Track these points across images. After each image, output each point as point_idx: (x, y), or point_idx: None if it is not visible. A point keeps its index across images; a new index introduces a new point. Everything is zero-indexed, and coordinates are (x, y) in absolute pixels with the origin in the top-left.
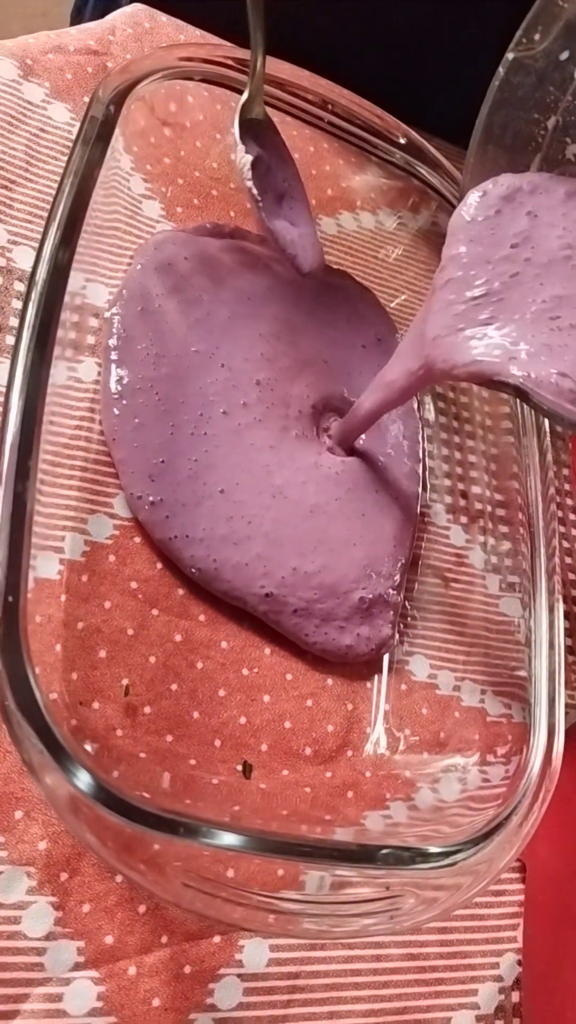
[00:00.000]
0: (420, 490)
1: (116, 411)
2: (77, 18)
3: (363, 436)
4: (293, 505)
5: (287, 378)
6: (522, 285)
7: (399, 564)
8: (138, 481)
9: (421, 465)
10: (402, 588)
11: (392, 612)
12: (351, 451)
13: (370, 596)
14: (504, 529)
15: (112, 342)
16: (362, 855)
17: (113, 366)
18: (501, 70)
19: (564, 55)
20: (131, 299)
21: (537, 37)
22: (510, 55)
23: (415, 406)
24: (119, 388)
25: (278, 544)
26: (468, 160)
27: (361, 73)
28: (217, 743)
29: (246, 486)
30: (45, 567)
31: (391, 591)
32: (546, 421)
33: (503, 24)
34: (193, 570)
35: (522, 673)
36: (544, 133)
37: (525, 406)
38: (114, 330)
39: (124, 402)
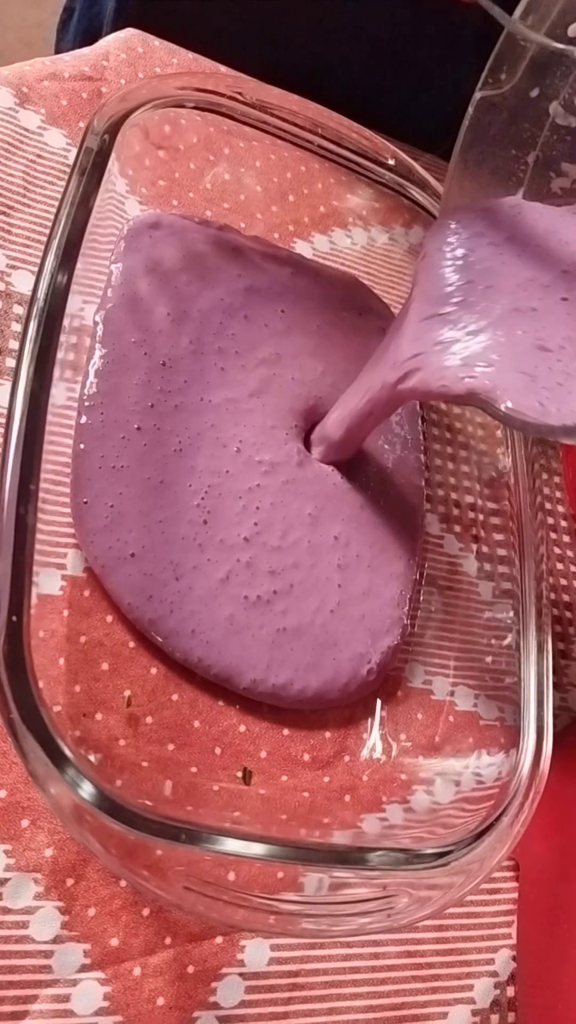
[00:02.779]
0: (424, 506)
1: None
2: (62, 33)
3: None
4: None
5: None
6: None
7: (404, 617)
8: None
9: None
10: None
11: (394, 653)
12: (340, 465)
13: (377, 663)
14: (498, 537)
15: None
16: (358, 857)
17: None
18: (471, 109)
19: (535, 92)
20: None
21: (503, 76)
22: (478, 94)
23: (418, 421)
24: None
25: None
26: (444, 193)
27: (340, 84)
28: (217, 751)
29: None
30: (48, 583)
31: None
32: None
33: (480, 29)
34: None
35: (513, 678)
36: (525, 168)
37: None
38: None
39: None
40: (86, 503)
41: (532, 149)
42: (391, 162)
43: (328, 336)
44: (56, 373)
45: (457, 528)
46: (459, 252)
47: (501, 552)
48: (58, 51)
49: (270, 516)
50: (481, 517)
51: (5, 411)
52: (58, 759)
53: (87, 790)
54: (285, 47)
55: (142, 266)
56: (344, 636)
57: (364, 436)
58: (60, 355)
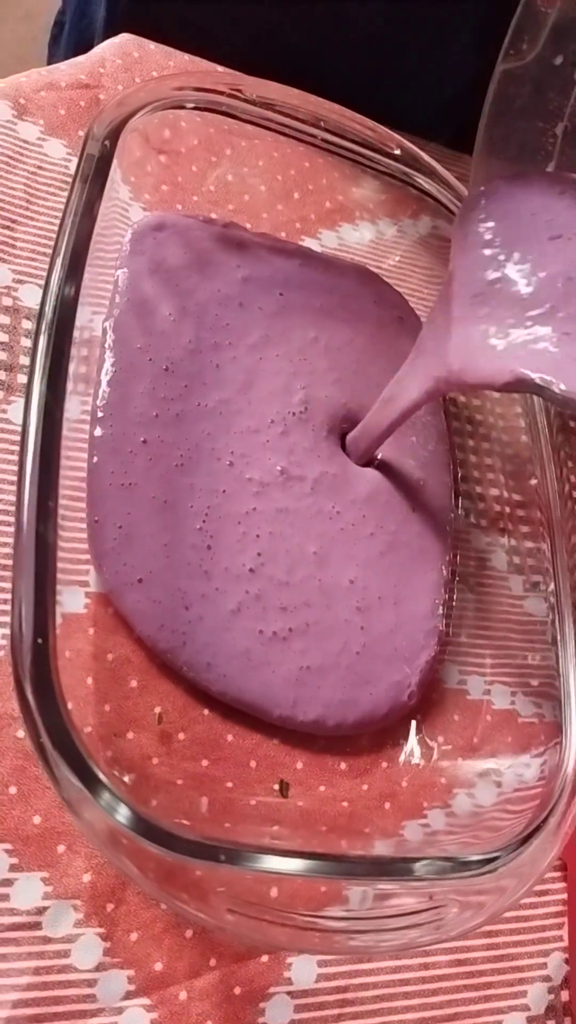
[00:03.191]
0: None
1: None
2: (54, 48)
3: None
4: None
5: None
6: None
7: (439, 625)
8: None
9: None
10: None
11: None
12: (367, 463)
13: (417, 683)
14: (525, 529)
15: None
16: (403, 868)
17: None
18: (493, 83)
19: (558, 60)
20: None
21: (525, 46)
22: (500, 67)
23: (442, 412)
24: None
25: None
26: (472, 174)
27: (335, 78)
28: (252, 764)
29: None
30: (71, 602)
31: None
32: (557, 418)
33: (477, 15)
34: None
35: (551, 672)
36: (553, 140)
37: (537, 404)
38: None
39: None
40: (97, 522)
41: (560, 120)
42: (397, 152)
43: (333, 316)
44: (69, 386)
45: (483, 522)
46: (493, 234)
47: (529, 544)
48: (51, 62)
49: (272, 547)
50: (508, 509)
51: (20, 428)
52: (91, 783)
53: (122, 813)
54: (277, 43)
55: (146, 268)
56: (377, 672)
57: (391, 432)
58: (72, 368)
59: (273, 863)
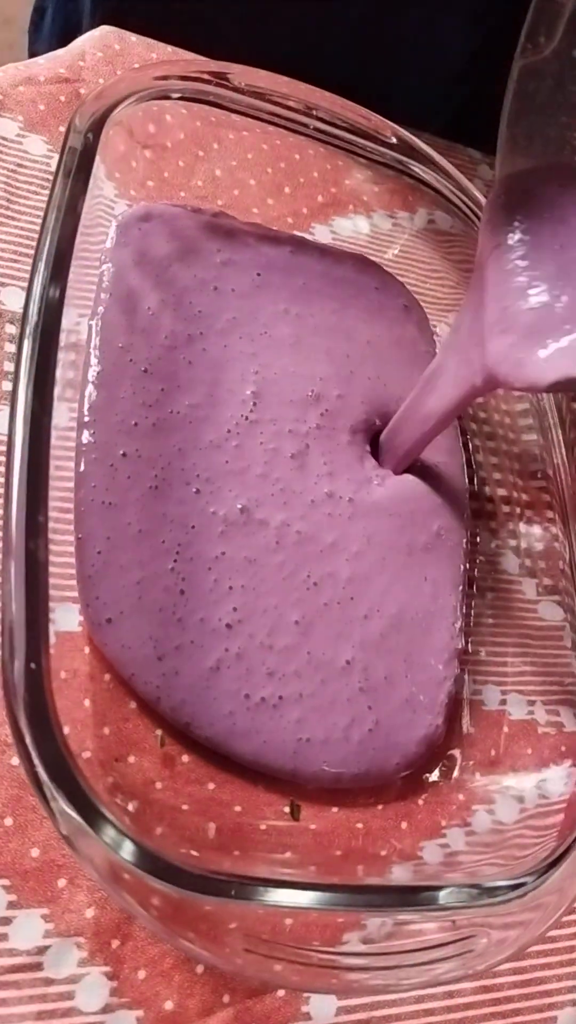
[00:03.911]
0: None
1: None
2: (35, 35)
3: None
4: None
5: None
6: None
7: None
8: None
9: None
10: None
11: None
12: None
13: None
14: (535, 530)
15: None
16: (426, 898)
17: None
18: (512, 80)
19: None
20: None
21: (543, 40)
22: (519, 63)
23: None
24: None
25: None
26: (497, 172)
27: (325, 63)
28: (261, 786)
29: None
30: (65, 620)
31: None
32: (569, 414)
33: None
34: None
35: (571, 679)
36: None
37: (547, 401)
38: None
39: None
40: (81, 540)
41: None
42: (392, 140)
43: (320, 294)
44: (57, 392)
45: (492, 524)
46: (524, 239)
47: (540, 546)
48: (32, 52)
49: (247, 603)
50: (517, 510)
51: (5, 437)
52: (90, 815)
53: (126, 848)
54: (264, 32)
55: (130, 260)
56: (397, 739)
57: (432, 438)
58: (59, 373)
59: (287, 896)
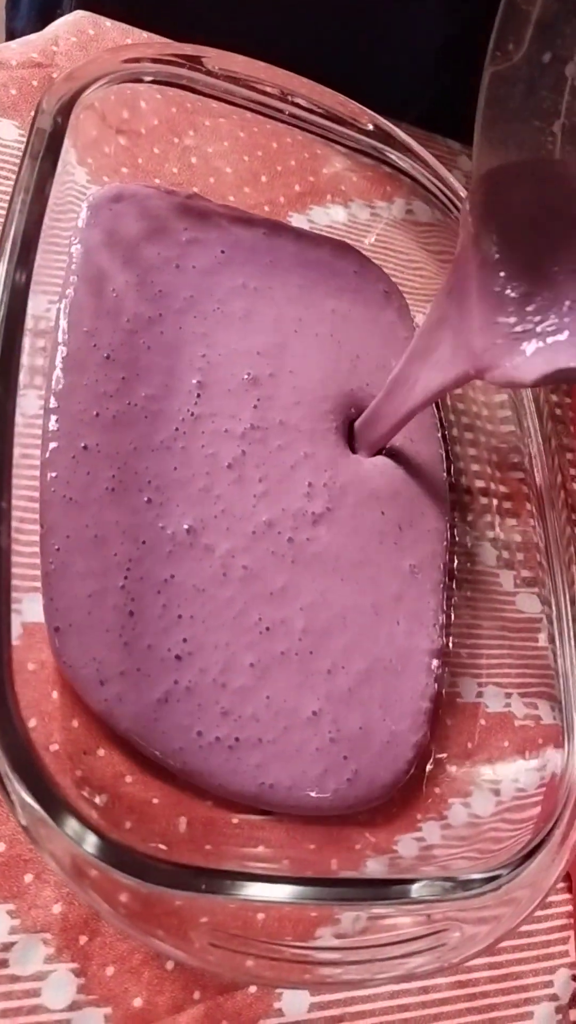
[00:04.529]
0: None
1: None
2: (12, 11)
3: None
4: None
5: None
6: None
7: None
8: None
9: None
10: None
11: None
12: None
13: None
14: (512, 522)
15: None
16: (399, 891)
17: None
18: (484, 88)
19: (547, 56)
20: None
21: (511, 47)
22: (489, 71)
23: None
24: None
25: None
26: (474, 173)
27: (300, 49)
28: None
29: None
30: (32, 610)
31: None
32: (546, 406)
33: None
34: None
35: (548, 671)
36: (553, 139)
37: (526, 394)
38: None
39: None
40: (43, 532)
41: (556, 117)
42: (369, 127)
43: (286, 270)
44: (24, 379)
45: (469, 516)
46: (504, 233)
47: (518, 538)
48: (9, 31)
49: (198, 636)
50: (495, 502)
51: None
52: (52, 806)
53: (90, 841)
54: (243, 20)
55: (99, 241)
56: (381, 776)
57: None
58: (26, 360)
59: (259, 891)
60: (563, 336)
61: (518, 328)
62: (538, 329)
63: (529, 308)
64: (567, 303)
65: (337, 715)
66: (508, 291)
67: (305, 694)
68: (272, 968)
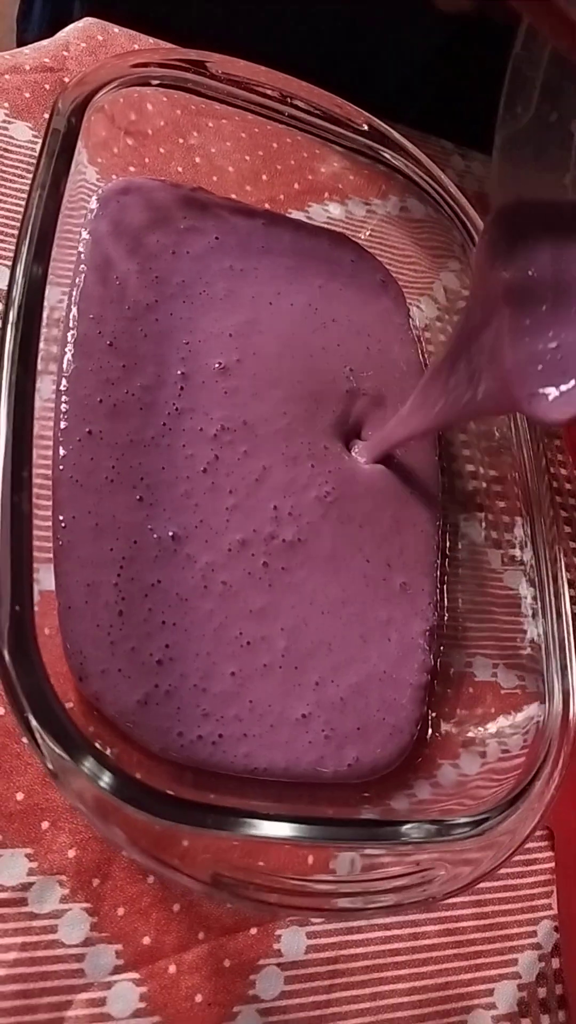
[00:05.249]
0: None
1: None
2: (24, 24)
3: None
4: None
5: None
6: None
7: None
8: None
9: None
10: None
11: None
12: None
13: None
14: (501, 504)
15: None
16: (391, 832)
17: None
18: (496, 153)
19: (553, 117)
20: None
21: (519, 110)
22: (500, 135)
23: None
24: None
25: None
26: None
27: (300, 57)
28: None
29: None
30: (48, 580)
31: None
32: None
33: None
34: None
35: (532, 644)
36: (564, 190)
37: None
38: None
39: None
40: (54, 505)
41: (566, 171)
42: (364, 127)
43: (278, 253)
44: (40, 366)
45: (460, 497)
46: (527, 266)
47: (506, 519)
48: (21, 41)
49: (180, 643)
50: (484, 485)
51: None
52: (77, 753)
53: (107, 781)
54: (246, 26)
55: (106, 231)
56: (383, 756)
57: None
58: (43, 347)
59: (261, 828)
60: None
61: (549, 374)
62: (566, 375)
63: (553, 346)
64: None
65: (330, 719)
66: (537, 338)
67: (292, 702)
68: (273, 896)
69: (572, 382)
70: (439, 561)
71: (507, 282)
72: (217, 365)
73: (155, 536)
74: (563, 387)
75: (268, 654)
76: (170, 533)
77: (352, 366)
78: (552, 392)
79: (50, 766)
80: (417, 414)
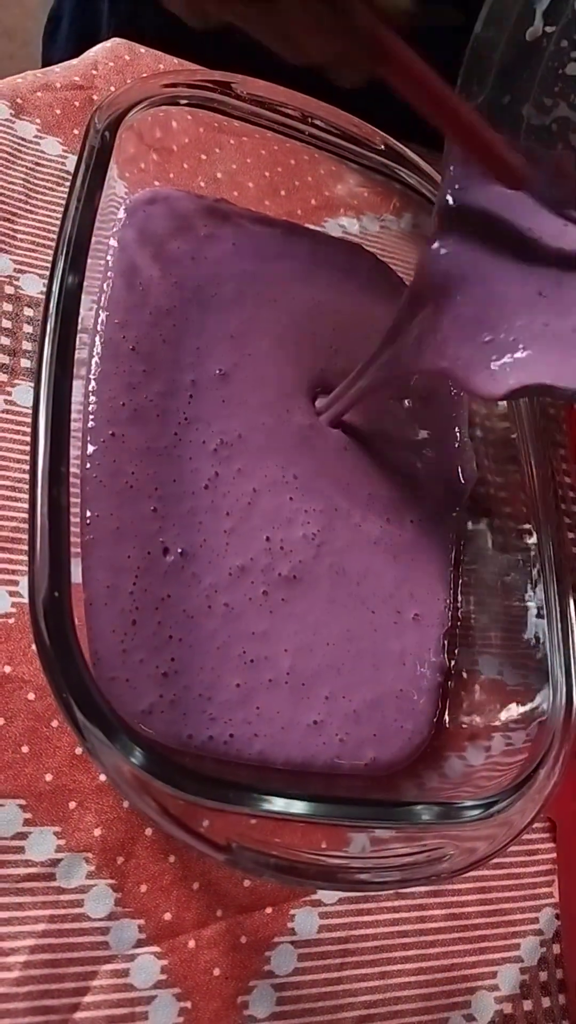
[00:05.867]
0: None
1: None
2: (49, 43)
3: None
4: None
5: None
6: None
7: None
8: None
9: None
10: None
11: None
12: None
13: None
14: (507, 509)
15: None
16: (403, 812)
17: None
18: None
19: (506, 99)
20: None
21: (475, 89)
22: None
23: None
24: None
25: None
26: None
27: (316, 78)
28: None
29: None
30: (76, 574)
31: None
32: (540, 404)
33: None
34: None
35: (538, 644)
36: None
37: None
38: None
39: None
40: (83, 500)
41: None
42: (380, 147)
43: (293, 258)
44: (74, 371)
45: (468, 504)
46: (466, 245)
47: (512, 524)
48: (46, 59)
49: (184, 657)
50: (492, 491)
51: (26, 409)
52: (109, 731)
53: (139, 758)
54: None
55: (132, 239)
56: (400, 753)
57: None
58: (76, 353)
59: (277, 804)
60: (523, 354)
61: (489, 353)
62: (503, 345)
63: (490, 323)
64: (518, 322)
65: (343, 727)
66: (473, 317)
67: (302, 711)
68: (290, 870)
69: (505, 358)
70: (453, 570)
71: (447, 262)
72: (218, 371)
73: (166, 550)
74: (500, 362)
75: (272, 671)
76: (179, 549)
77: (337, 346)
78: (492, 366)
79: (88, 745)
80: (366, 370)
